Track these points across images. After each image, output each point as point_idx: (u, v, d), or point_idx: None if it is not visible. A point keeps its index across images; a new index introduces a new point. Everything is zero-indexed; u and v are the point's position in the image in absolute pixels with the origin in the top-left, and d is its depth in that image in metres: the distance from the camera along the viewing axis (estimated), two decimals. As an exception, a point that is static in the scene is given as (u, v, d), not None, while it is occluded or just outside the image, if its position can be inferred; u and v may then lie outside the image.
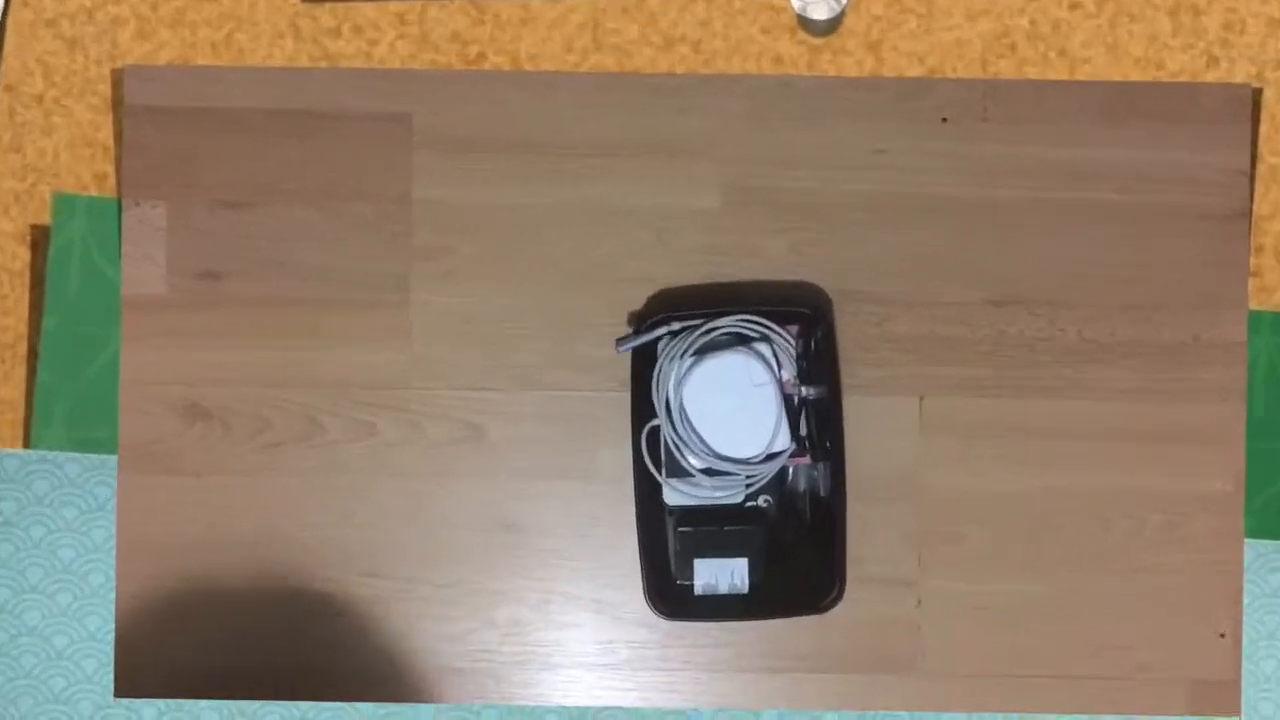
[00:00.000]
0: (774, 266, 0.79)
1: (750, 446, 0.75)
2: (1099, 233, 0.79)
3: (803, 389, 0.75)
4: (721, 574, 0.74)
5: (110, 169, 0.80)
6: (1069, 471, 0.78)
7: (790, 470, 0.78)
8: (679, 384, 0.75)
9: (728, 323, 0.75)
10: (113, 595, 1.32)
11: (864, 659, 0.78)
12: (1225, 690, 0.78)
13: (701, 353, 0.75)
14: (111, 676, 1.27)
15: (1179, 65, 0.79)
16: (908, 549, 0.78)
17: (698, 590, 0.75)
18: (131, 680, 0.79)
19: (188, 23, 0.79)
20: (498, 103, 0.79)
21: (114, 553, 1.11)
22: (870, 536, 0.78)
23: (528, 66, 0.80)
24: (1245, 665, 1.30)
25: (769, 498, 0.77)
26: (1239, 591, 0.78)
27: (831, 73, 0.79)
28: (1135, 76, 0.79)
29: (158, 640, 0.79)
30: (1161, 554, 0.78)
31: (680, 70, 0.79)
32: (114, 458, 1.24)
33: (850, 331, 0.79)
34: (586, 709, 1.31)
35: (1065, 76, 0.79)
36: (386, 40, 0.79)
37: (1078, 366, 0.78)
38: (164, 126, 0.80)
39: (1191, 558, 0.78)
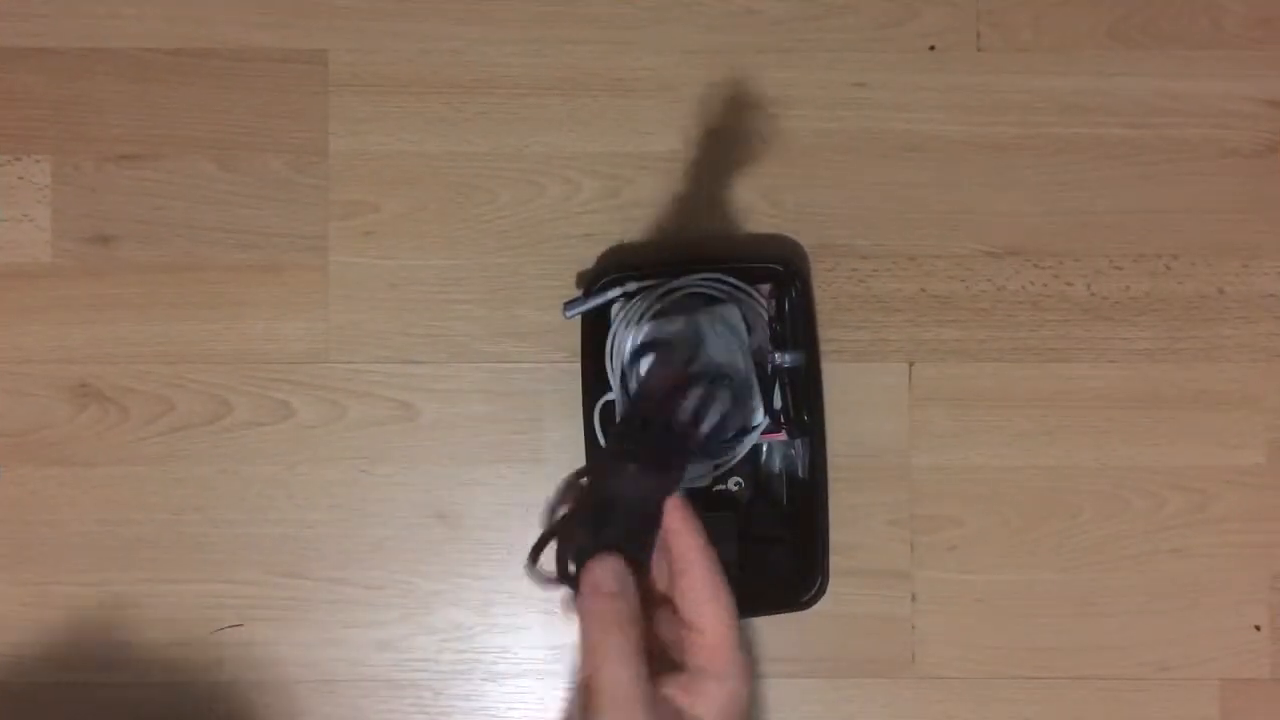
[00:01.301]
0: (742, 217, 0.74)
1: (718, 422, 0.69)
2: (1110, 173, 0.74)
3: (777, 356, 0.70)
4: (688, 568, 0.67)
5: (-14, 120, 0.74)
6: (1078, 445, 0.73)
7: (764, 449, 0.73)
8: (636, 352, 0.69)
9: (690, 282, 0.70)
10: None
11: (851, 661, 0.73)
12: (1260, 690, 0.73)
13: (661, 316, 0.69)
14: None
15: (1198, -17, 0.75)
16: (898, 536, 0.73)
17: (661, 587, 0.68)
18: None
19: (72, -48, 0.74)
20: (426, 38, 0.74)
21: None
22: (856, 523, 0.73)
23: (460, -4, 0.75)
24: None
25: (740, 480, 0.72)
26: (1275, 578, 0.73)
27: (803, -2, 0.75)
28: (1149, -4, 0.75)
29: (47, 654, 0.72)
30: (1185, 537, 0.73)
31: (633, -1, 0.75)
32: None
33: (830, 290, 0.74)
34: None
35: (1069, -3, 0.75)
36: (299, -31, 0.74)
37: (1087, 325, 0.73)
38: (45, 69, 0.73)
39: (1219, 540, 0.73)
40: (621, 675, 0.38)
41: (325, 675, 0.72)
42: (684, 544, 0.42)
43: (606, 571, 0.40)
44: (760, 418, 0.70)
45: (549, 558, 0.42)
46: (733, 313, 0.70)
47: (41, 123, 0.73)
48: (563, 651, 0.72)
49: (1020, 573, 0.73)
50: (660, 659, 0.41)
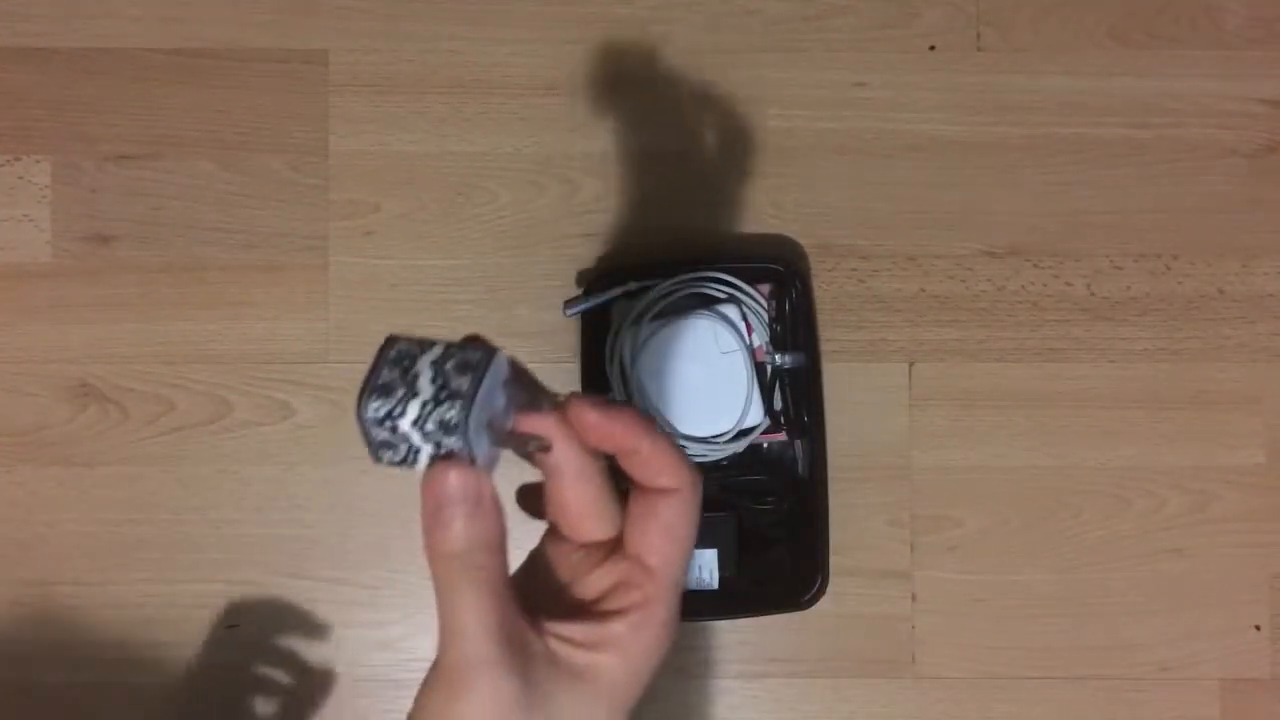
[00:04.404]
0: (742, 217, 0.73)
1: (718, 422, 0.70)
2: (1109, 173, 0.73)
3: (777, 357, 0.70)
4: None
5: (-14, 120, 0.74)
6: (1078, 445, 0.73)
7: (764, 449, 0.72)
8: (636, 353, 0.69)
9: (690, 282, 0.70)
10: None
11: (851, 661, 0.73)
12: (1260, 690, 0.72)
13: (661, 317, 0.70)
14: None
15: (1196, -16, 0.74)
16: (898, 536, 0.73)
17: (661, 586, 0.68)
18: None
19: (72, -48, 0.73)
20: (426, 38, 0.73)
21: None
22: (856, 522, 0.72)
23: (460, -4, 0.74)
24: None
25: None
26: (1275, 578, 0.72)
27: (804, -1, 0.74)
28: (1148, -4, 0.74)
29: (47, 654, 0.71)
30: (1185, 537, 0.73)
31: (633, -1, 0.74)
32: None
33: (830, 290, 0.73)
34: None
35: (1068, -2, 0.74)
36: (299, -31, 0.74)
37: (1087, 325, 0.73)
38: (45, 69, 0.73)
39: (1219, 540, 0.73)
40: (473, 625, 0.29)
41: (325, 675, 0.72)
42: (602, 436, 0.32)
43: (455, 482, 0.30)
44: (760, 418, 0.70)
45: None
46: (733, 313, 0.70)
47: (41, 123, 0.73)
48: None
49: (1020, 573, 0.72)
50: (554, 599, 0.33)
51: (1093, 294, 0.73)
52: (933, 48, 0.73)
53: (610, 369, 0.69)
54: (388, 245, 0.72)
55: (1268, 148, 0.73)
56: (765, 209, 0.73)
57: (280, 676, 0.72)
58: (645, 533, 0.32)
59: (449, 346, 0.32)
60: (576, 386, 0.69)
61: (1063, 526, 0.72)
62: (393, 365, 0.32)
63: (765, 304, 0.70)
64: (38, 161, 0.72)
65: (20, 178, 0.72)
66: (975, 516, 0.72)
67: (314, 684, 0.72)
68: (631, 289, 0.69)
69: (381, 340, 0.32)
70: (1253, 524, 0.72)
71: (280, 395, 0.72)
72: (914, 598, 0.72)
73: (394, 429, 0.31)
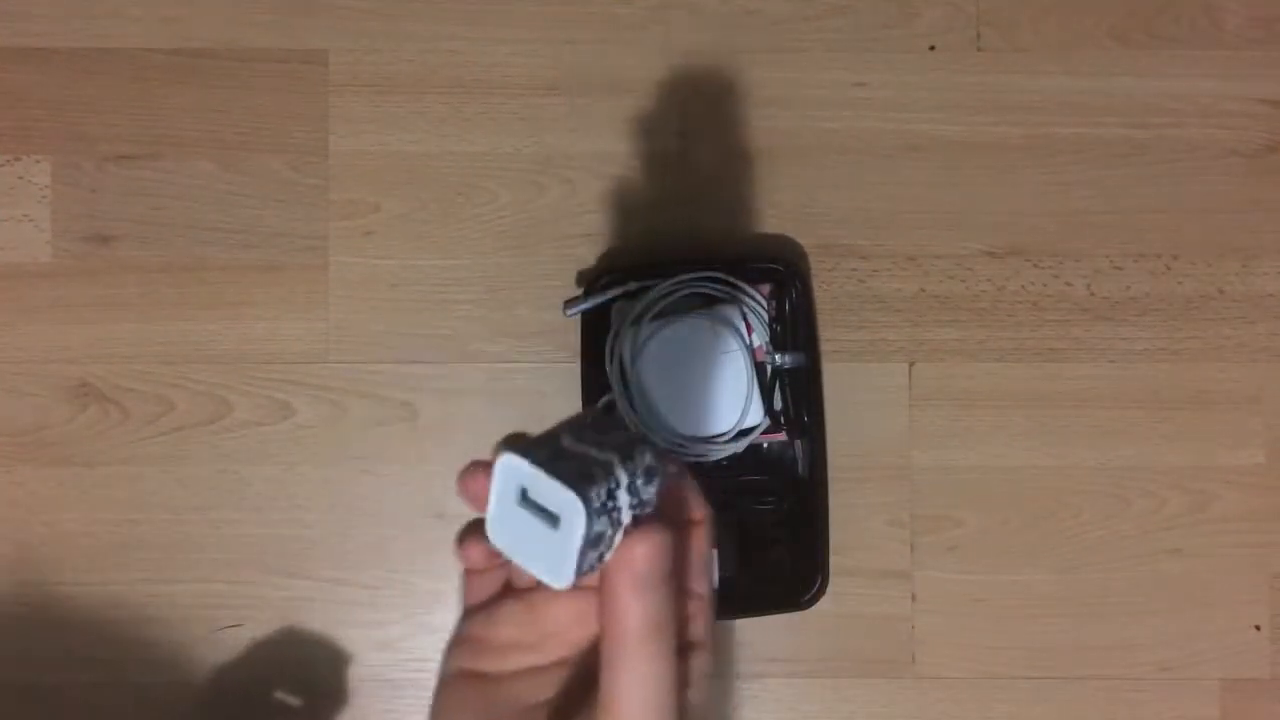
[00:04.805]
0: (741, 217, 0.73)
1: (718, 422, 0.70)
2: (1109, 173, 0.73)
3: (777, 356, 0.70)
4: (688, 568, 0.67)
5: (-13, 120, 0.74)
6: (1078, 445, 0.73)
7: (764, 449, 0.72)
8: (636, 353, 0.69)
9: (690, 282, 0.69)
10: None
11: (851, 661, 0.72)
12: (1260, 690, 0.72)
13: (661, 317, 0.69)
14: None
15: (1196, -16, 0.74)
16: (898, 536, 0.72)
17: (661, 587, 0.68)
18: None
19: (72, -48, 0.73)
20: (426, 38, 0.73)
21: None
22: (856, 522, 0.72)
23: (460, -3, 0.74)
24: None
25: (740, 480, 0.71)
26: (1275, 578, 0.72)
27: (804, -1, 0.74)
28: (1148, -4, 0.74)
29: (47, 654, 0.71)
30: (1185, 537, 0.72)
31: (633, -1, 0.74)
32: None
33: (830, 290, 0.73)
34: None
35: (1068, -2, 0.74)
36: (299, -31, 0.73)
37: (1087, 325, 0.73)
38: (45, 69, 0.73)
39: (1219, 540, 0.72)
40: (656, 698, 0.29)
41: (325, 675, 0.71)
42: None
43: (656, 551, 0.29)
44: (760, 417, 0.70)
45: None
46: (733, 313, 0.70)
47: (41, 123, 0.72)
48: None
49: (1020, 573, 0.72)
50: None
51: (1093, 294, 0.72)
52: (933, 48, 0.73)
53: (610, 369, 0.69)
54: (388, 245, 0.72)
55: (1268, 148, 0.73)
56: (765, 209, 0.73)
57: (280, 677, 0.72)
58: (690, 565, 0.33)
59: (567, 421, 0.31)
60: (577, 386, 0.69)
61: (1063, 526, 0.72)
62: (553, 460, 0.29)
63: (765, 304, 0.70)
64: (38, 161, 0.72)
65: (20, 178, 0.72)
66: (975, 516, 0.72)
67: (313, 684, 0.71)
68: (631, 289, 0.69)
69: (493, 454, 0.30)
70: (1253, 524, 0.72)
71: (280, 395, 0.72)
72: (914, 598, 0.72)
73: (614, 507, 0.29)
